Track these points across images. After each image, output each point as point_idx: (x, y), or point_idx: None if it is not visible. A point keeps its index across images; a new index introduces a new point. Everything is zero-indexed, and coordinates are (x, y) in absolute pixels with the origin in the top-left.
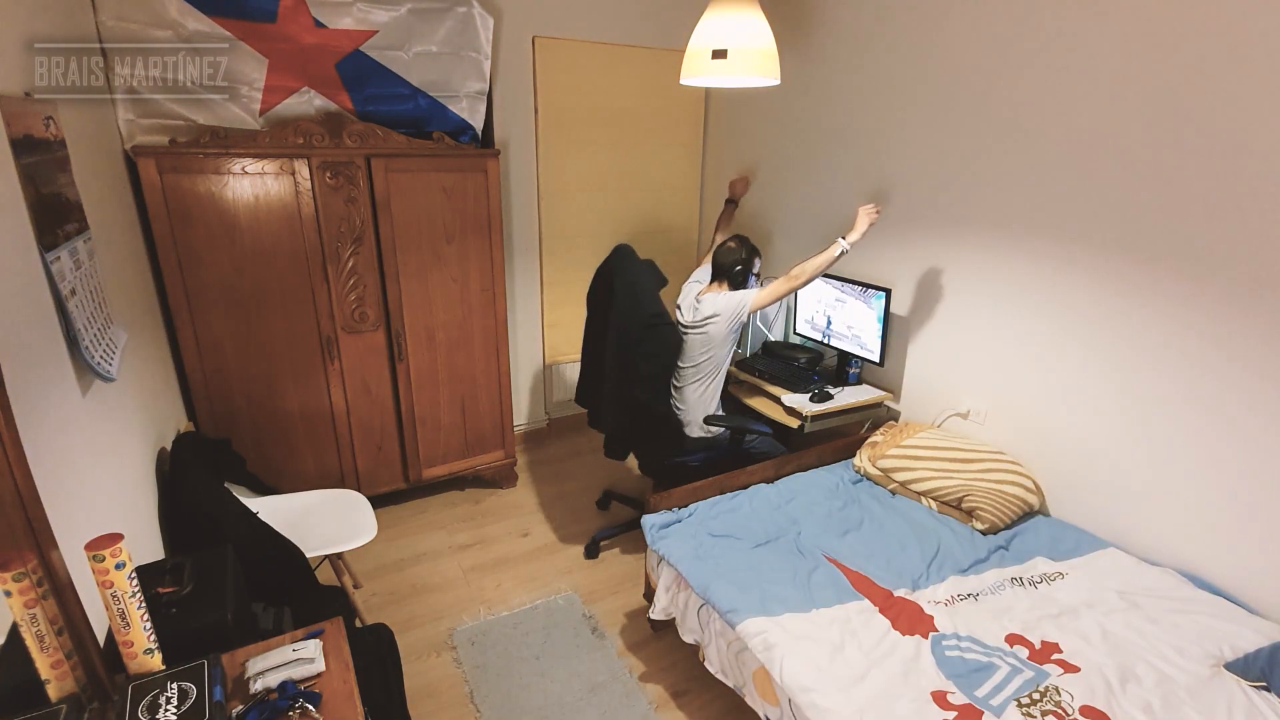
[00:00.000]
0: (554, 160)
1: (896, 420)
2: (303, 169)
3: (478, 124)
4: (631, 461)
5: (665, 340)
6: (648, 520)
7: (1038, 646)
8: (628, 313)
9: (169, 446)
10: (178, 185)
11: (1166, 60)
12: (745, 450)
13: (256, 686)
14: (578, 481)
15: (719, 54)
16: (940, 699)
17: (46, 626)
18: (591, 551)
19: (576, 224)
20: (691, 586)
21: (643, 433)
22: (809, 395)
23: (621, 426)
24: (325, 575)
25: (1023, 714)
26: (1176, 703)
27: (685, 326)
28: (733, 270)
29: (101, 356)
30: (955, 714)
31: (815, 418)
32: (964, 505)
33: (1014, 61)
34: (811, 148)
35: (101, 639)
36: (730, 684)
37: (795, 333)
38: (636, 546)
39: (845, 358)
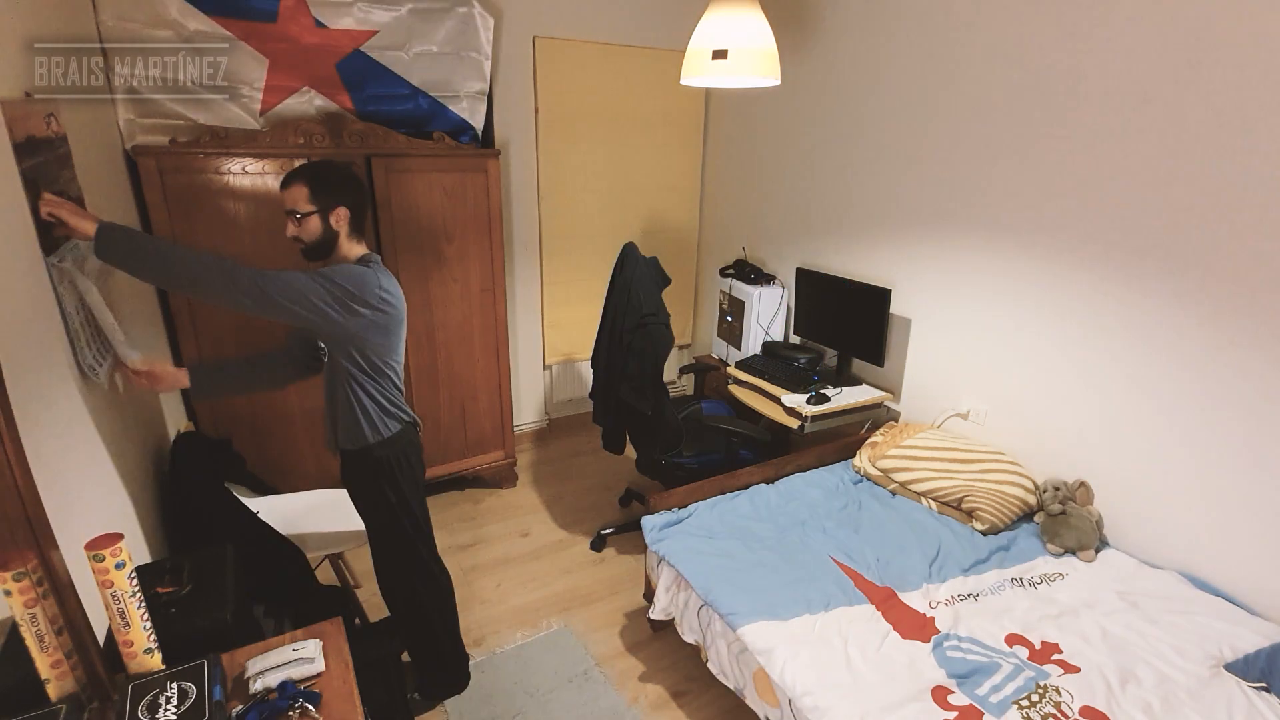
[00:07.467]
0: (554, 160)
1: (896, 420)
2: None
3: (478, 124)
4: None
5: (654, 339)
6: (647, 521)
7: (1038, 647)
8: (622, 311)
9: (169, 446)
10: (178, 185)
11: (1170, 58)
12: (740, 458)
13: (256, 686)
14: (578, 481)
15: (719, 54)
16: (941, 699)
17: (46, 626)
18: (597, 545)
19: (576, 224)
20: (693, 588)
21: (632, 431)
22: (808, 396)
23: (612, 423)
24: (325, 575)
25: (1022, 715)
26: (1176, 703)
27: None
28: None
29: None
30: (956, 714)
31: (815, 418)
32: (964, 505)
33: (1015, 61)
34: (811, 148)
35: (101, 639)
36: (731, 685)
37: (795, 333)
38: (637, 546)
39: (846, 358)
